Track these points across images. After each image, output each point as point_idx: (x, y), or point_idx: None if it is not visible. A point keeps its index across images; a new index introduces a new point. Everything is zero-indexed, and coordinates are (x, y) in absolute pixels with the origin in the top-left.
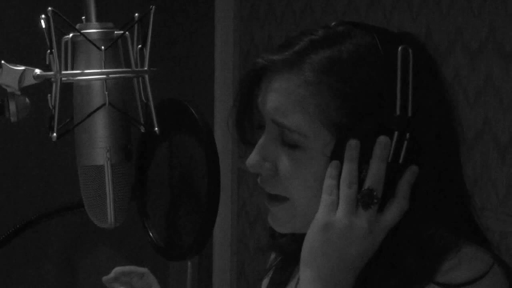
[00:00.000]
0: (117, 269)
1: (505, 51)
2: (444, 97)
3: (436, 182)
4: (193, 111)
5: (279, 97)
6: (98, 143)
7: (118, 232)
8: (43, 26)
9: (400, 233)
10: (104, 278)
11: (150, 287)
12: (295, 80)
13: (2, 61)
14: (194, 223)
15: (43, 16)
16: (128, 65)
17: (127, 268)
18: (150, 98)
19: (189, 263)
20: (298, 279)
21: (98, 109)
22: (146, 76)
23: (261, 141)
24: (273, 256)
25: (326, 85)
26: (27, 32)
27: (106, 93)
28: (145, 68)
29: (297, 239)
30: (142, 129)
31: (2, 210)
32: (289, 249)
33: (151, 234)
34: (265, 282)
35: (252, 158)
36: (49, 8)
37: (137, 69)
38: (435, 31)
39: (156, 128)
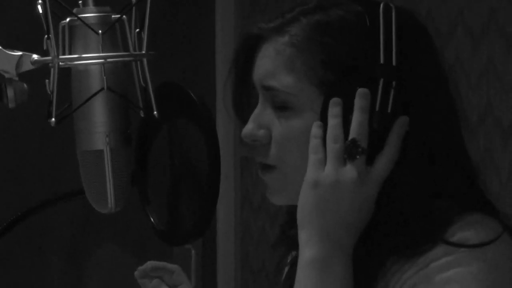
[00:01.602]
0: (149, 264)
1: (507, 34)
2: (434, 54)
3: (430, 137)
4: (192, 94)
5: (267, 61)
6: (97, 128)
7: (122, 220)
8: (40, 11)
9: (398, 191)
10: (137, 273)
11: (180, 284)
12: (282, 41)
13: None
14: (196, 206)
15: (39, 1)
16: (126, 49)
17: (159, 264)
18: (149, 82)
19: (193, 252)
20: None
21: (96, 93)
22: (145, 60)
23: (255, 111)
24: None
25: (312, 43)
26: (24, 18)
27: (104, 77)
28: (143, 52)
29: None
30: (142, 114)
31: (2, 198)
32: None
33: (152, 219)
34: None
35: (247, 127)
36: None
37: (135, 53)
38: (436, 14)
39: (155, 112)
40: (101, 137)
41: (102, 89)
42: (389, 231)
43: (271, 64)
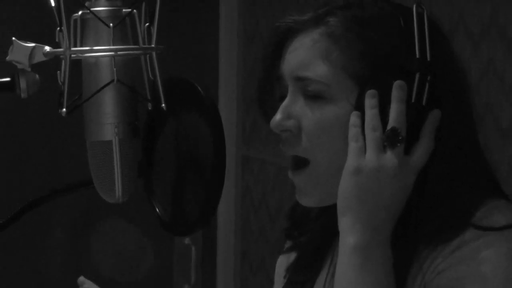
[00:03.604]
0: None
1: (507, 35)
2: (453, 53)
3: (459, 129)
4: (198, 88)
5: (301, 52)
6: (107, 119)
7: (124, 217)
8: (53, 4)
9: (431, 177)
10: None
11: None
12: (319, 32)
13: (13, 38)
14: (200, 198)
15: None
16: (136, 42)
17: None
18: (158, 75)
19: (193, 248)
20: (327, 275)
21: (106, 85)
22: (154, 53)
23: (284, 102)
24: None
25: (350, 34)
26: (37, 10)
27: (115, 69)
28: (153, 45)
29: (317, 234)
30: (150, 106)
31: (12, 187)
32: (310, 247)
33: (157, 210)
34: (281, 260)
35: (276, 117)
36: None
37: (144, 46)
38: (437, 15)
39: (163, 105)
40: (110, 128)
41: (112, 81)
42: (422, 217)
43: (306, 54)
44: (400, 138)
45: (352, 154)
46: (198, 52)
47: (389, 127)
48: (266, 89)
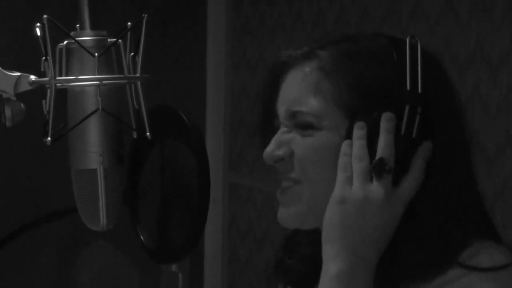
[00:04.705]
0: None
1: (492, 63)
2: (450, 85)
3: (451, 163)
4: (184, 117)
5: (294, 87)
6: (91, 148)
7: (111, 244)
8: (38, 33)
9: (420, 211)
10: None
11: None
12: (310, 65)
13: None
14: (185, 225)
15: (38, 24)
16: (121, 72)
17: None
18: (142, 104)
19: (180, 275)
20: None
21: (91, 114)
22: (138, 83)
23: (277, 134)
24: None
25: (340, 67)
26: (22, 39)
27: (100, 98)
28: (137, 75)
29: (305, 259)
30: (134, 135)
31: None
32: (299, 273)
33: (142, 237)
34: None
35: (268, 148)
36: (45, 16)
37: (129, 75)
38: (423, 44)
39: (148, 133)
40: (94, 156)
41: (97, 110)
42: (408, 251)
43: (298, 90)
44: (387, 168)
45: (339, 183)
46: (185, 80)
47: (377, 158)
48: (266, 123)
